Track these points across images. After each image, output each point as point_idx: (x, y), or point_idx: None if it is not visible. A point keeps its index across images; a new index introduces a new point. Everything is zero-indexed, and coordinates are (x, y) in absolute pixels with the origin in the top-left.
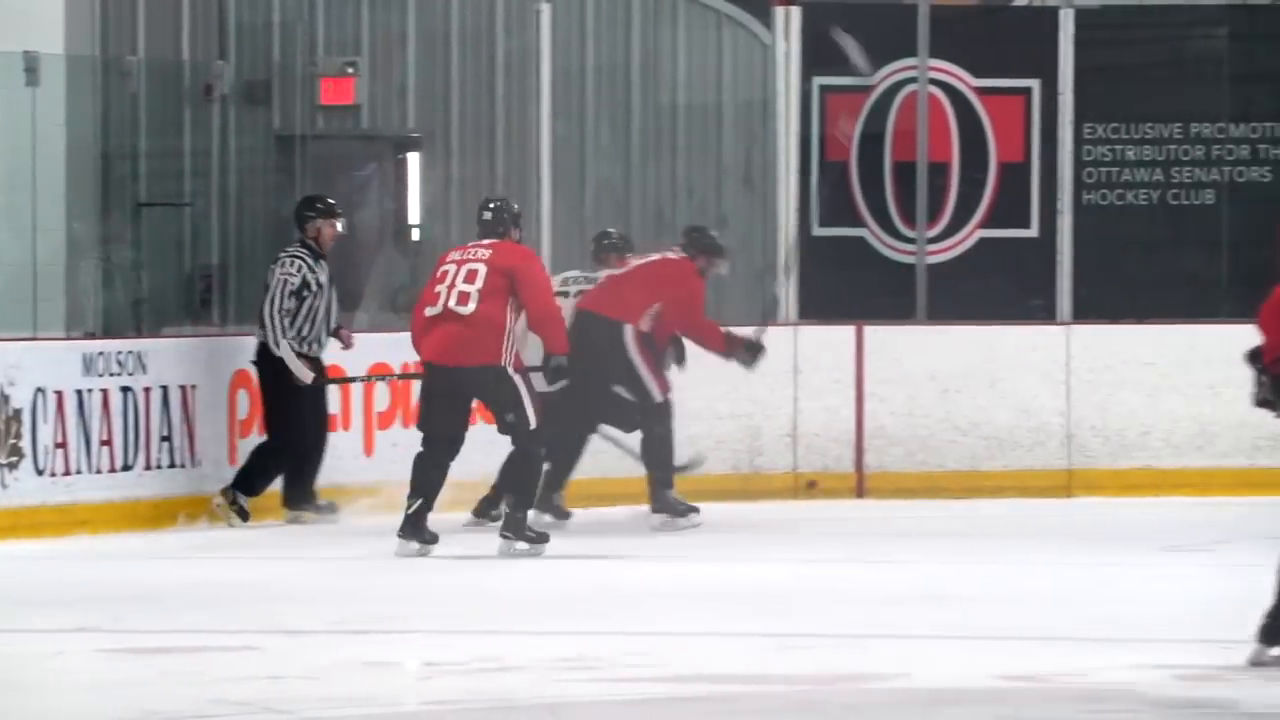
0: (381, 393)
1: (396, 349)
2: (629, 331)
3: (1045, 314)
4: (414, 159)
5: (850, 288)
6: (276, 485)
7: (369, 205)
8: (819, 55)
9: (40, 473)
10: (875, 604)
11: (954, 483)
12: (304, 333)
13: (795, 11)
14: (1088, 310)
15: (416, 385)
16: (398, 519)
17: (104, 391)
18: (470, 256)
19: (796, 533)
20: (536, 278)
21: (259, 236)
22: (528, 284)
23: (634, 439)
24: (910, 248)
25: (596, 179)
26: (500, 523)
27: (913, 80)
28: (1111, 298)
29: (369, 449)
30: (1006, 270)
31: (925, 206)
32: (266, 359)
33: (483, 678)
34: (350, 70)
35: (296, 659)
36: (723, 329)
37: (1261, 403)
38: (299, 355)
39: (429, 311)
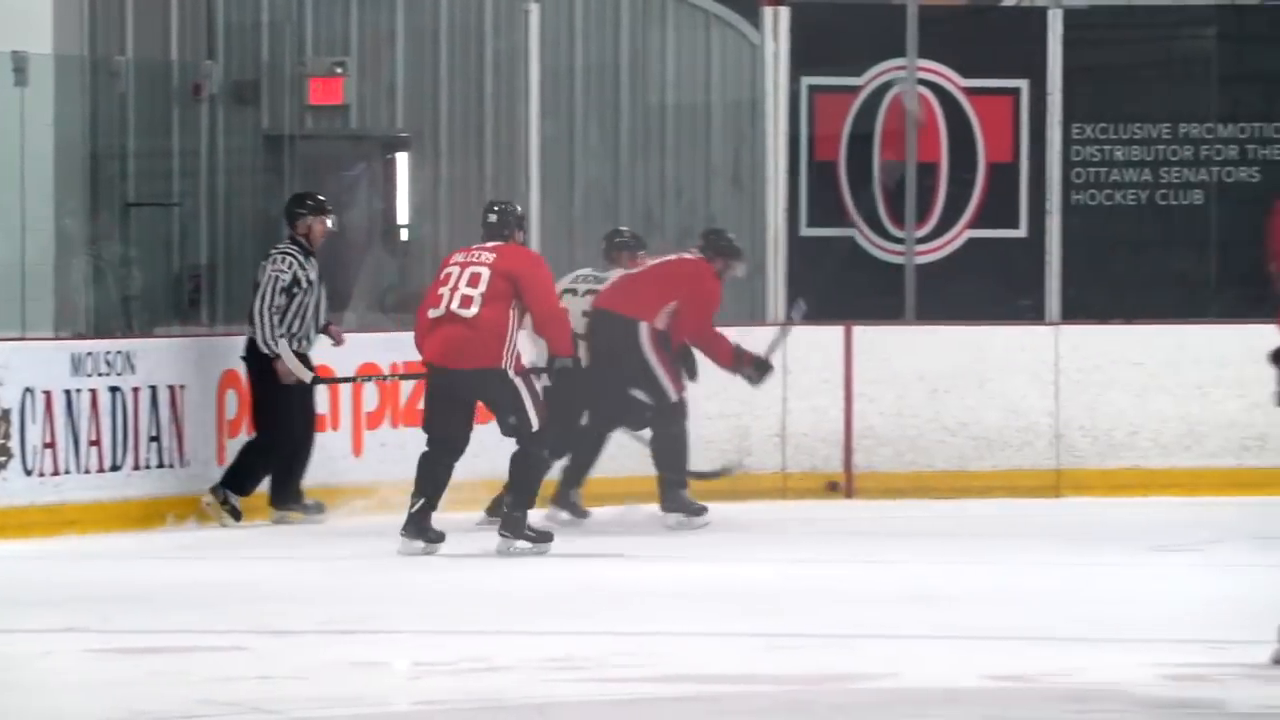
0: (370, 393)
1: (385, 349)
2: (644, 329)
3: (1034, 314)
4: (402, 159)
5: (839, 288)
6: (264, 485)
7: (357, 205)
8: (808, 55)
9: (29, 473)
10: (864, 604)
11: (942, 483)
12: (294, 329)
13: (784, 11)
14: (1076, 310)
15: (405, 385)
16: (386, 519)
17: (92, 391)
18: (474, 259)
19: (785, 533)
20: (541, 282)
21: (247, 236)
22: (532, 288)
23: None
24: (899, 248)
25: (585, 179)
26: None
27: (902, 80)
28: (1100, 298)
29: (358, 449)
30: (995, 270)
31: (914, 207)
32: (255, 356)
33: (471, 678)
34: (339, 70)
35: (285, 659)
36: (733, 343)
37: None
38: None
39: (432, 313)
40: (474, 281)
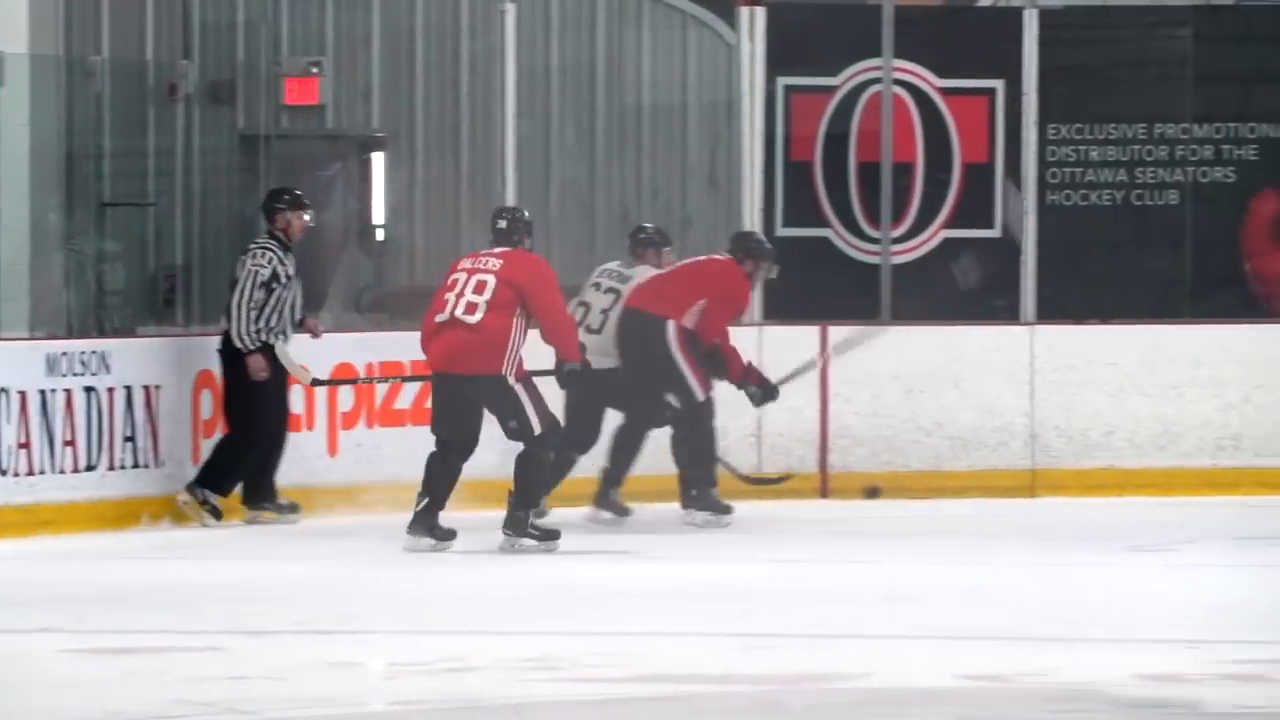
0: (346, 393)
1: (360, 349)
2: (671, 327)
3: (1009, 314)
4: (378, 159)
5: (815, 288)
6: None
7: (333, 205)
8: (784, 55)
9: (3, 473)
10: (839, 604)
11: (918, 483)
12: (271, 324)
13: (760, 12)
14: (1052, 310)
15: (380, 387)
16: (362, 520)
17: (67, 392)
18: (481, 266)
19: (760, 533)
20: (546, 291)
21: (223, 236)
22: (537, 297)
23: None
24: (875, 248)
25: (561, 179)
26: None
27: (877, 81)
28: (1075, 298)
29: (333, 449)
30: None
31: (890, 207)
32: (231, 351)
33: (447, 678)
34: (315, 70)
35: (260, 659)
36: (745, 360)
37: None
38: (264, 346)
39: (438, 319)
40: (480, 289)
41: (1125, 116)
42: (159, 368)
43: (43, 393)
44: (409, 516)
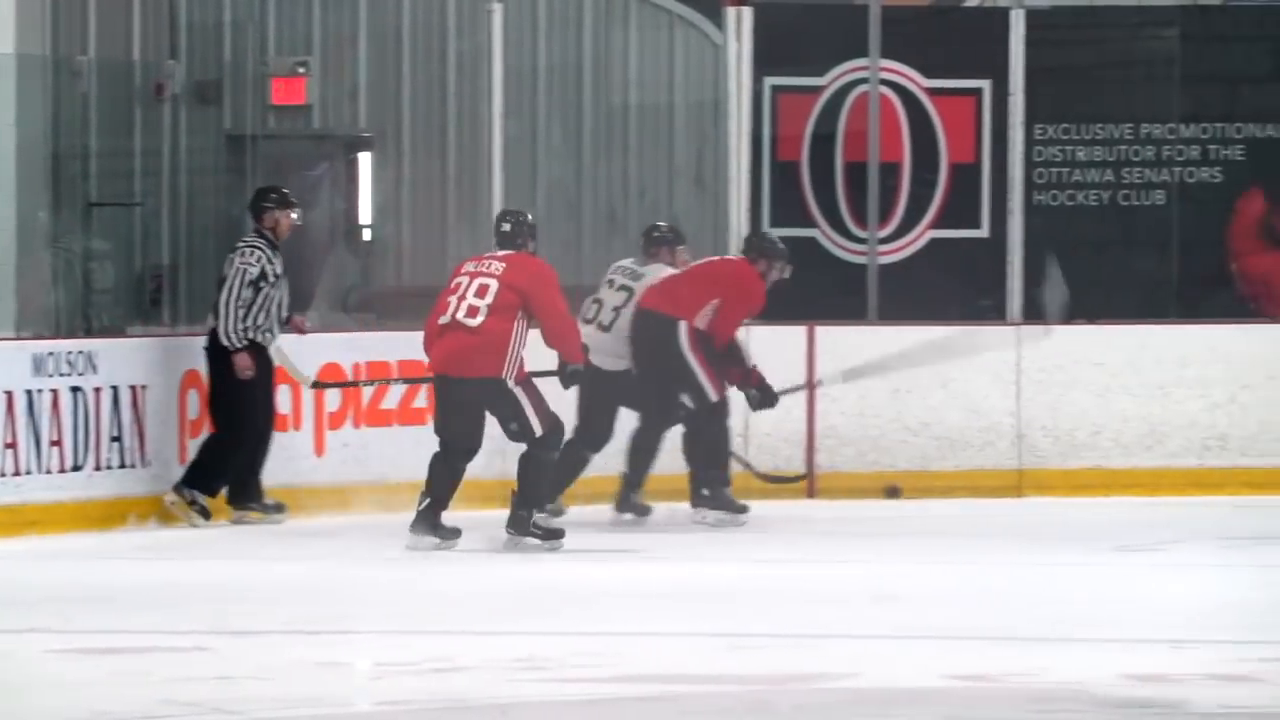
0: (333, 394)
1: (347, 349)
2: (683, 329)
3: (996, 314)
4: (365, 159)
5: (801, 288)
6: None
7: (320, 205)
8: (770, 55)
9: None
10: (826, 604)
11: (905, 483)
12: (258, 322)
13: (747, 12)
14: (1038, 311)
15: (367, 388)
16: (349, 520)
17: (54, 392)
18: (484, 270)
19: (748, 533)
20: (548, 295)
21: (209, 236)
22: (539, 302)
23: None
24: (861, 248)
25: (548, 179)
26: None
27: (864, 81)
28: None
29: (320, 449)
30: (957, 271)
31: (876, 207)
32: (217, 349)
33: (434, 678)
34: (301, 70)
35: (247, 659)
36: (751, 363)
37: None
38: (251, 344)
39: (440, 321)
40: (481, 292)
41: (1112, 117)
42: (146, 368)
43: (29, 393)
44: (399, 517)
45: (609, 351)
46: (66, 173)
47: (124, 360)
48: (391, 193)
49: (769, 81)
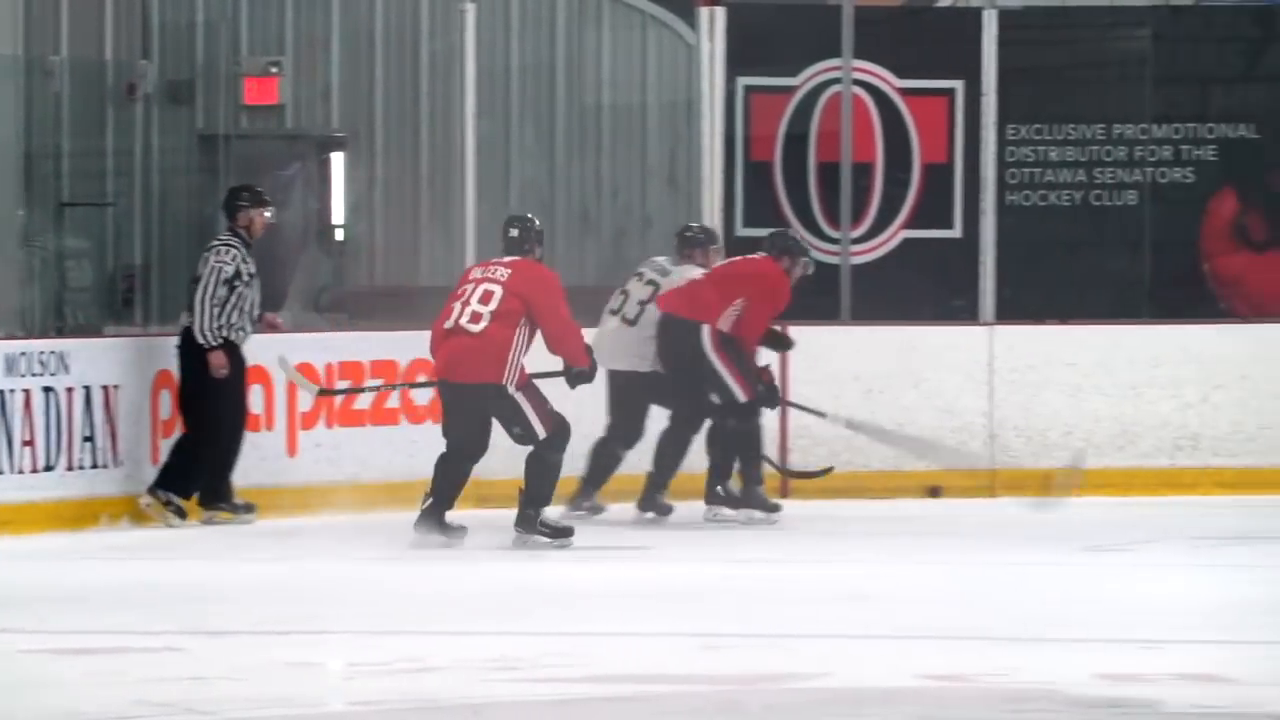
0: (306, 396)
1: (320, 349)
2: (706, 332)
3: (968, 314)
4: (338, 159)
5: None
6: None
7: (293, 205)
8: (743, 55)
9: None
10: (799, 604)
11: (877, 483)
12: (232, 320)
13: (720, 12)
14: (1011, 311)
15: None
16: (321, 520)
17: (26, 392)
18: (490, 276)
19: (720, 532)
20: (550, 302)
21: (182, 236)
22: (541, 308)
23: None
24: (834, 248)
25: (521, 179)
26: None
27: (837, 81)
28: (1034, 298)
29: (292, 449)
30: (930, 271)
31: (849, 207)
32: (191, 347)
33: (406, 678)
34: (274, 70)
35: (219, 660)
36: (762, 363)
37: None
38: (225, 343)
39: (445, 325)
40: (486, 299)
41: (1084, 117)
42: (118, 368)
43: (1, 393)
44: (372, 517)
45: (636, 352)
46: (39, 172)
47: (96, 360)
48: (364, 193)
49: (742, 81)
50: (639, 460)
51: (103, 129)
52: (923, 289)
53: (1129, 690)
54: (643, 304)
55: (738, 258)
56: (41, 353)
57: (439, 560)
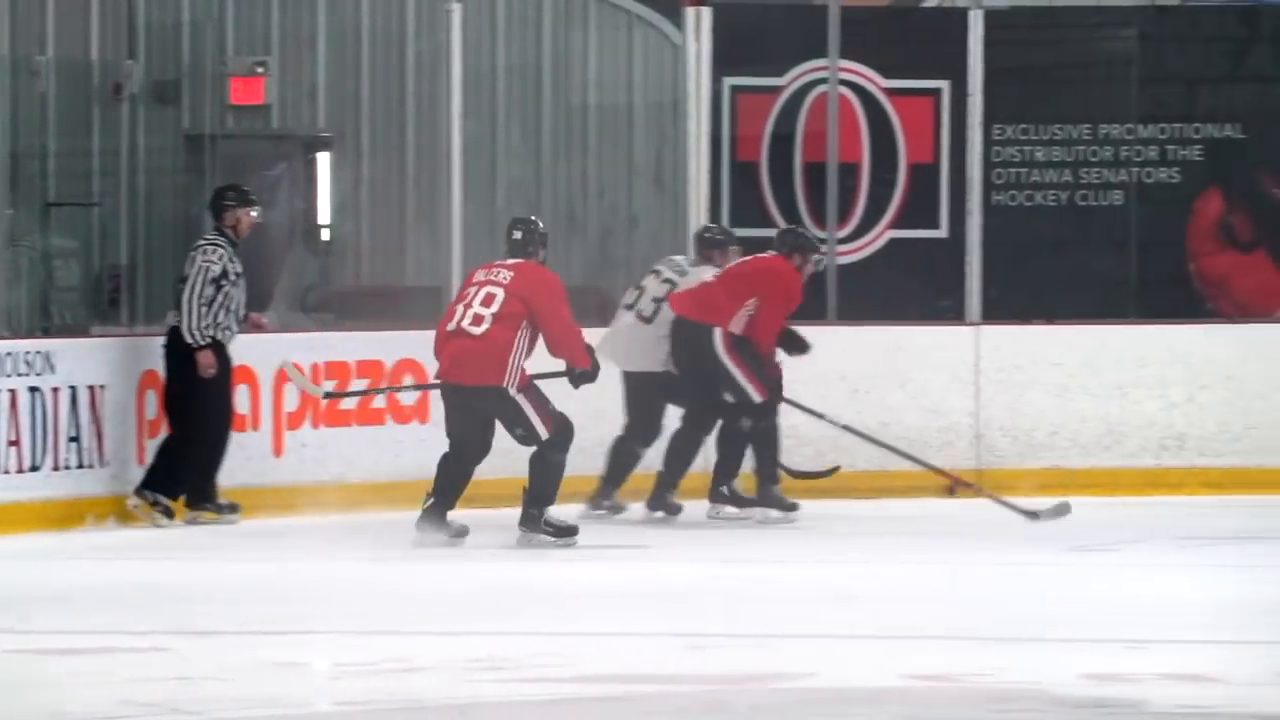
0: (291, 394)
1: (307, 349)
2: (718, 334)
3: (954, 314)
4: (324, 159)
5: None
6: None
7: (279, 205)
8: (730, 55)
9: None
10: (785, 604)
11: (863, 483)
12: (219, 320)
13: (706, 12)
14: (997, 311)
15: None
16: (307, 520)
17: (11, 392)
18: (492, 278)
19: (707, 533)
20: (552, 305)
21: (168, 236)
22: (542, 310)
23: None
24: (820, 248)
25: (507, 179)
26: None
27: (823, 81)
28: (1020, 298)
29: (278, 449)
30: (916, 271)
31: (836, 207)
32: (177, 346)
33: (392, 678)
34: (260, 70)
35: (205, 660)
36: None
37: None
38: (213, 342)
39: (447, 328)
40: (488, 301)
41: (1070, 117)
42: (104, 368)
43: None
44: (358, 517)
45: (651, 352)
46: (25, 172)
47: (82, 360)
48: (350, 193)
49: (728, 81)
50: (652, 459)
51: (89, 129)
52: (909, 289)
53: (1115, 690)
54: (658, 301)
55: (748, 258)
56: (27, 353)
57: (425, 560)
